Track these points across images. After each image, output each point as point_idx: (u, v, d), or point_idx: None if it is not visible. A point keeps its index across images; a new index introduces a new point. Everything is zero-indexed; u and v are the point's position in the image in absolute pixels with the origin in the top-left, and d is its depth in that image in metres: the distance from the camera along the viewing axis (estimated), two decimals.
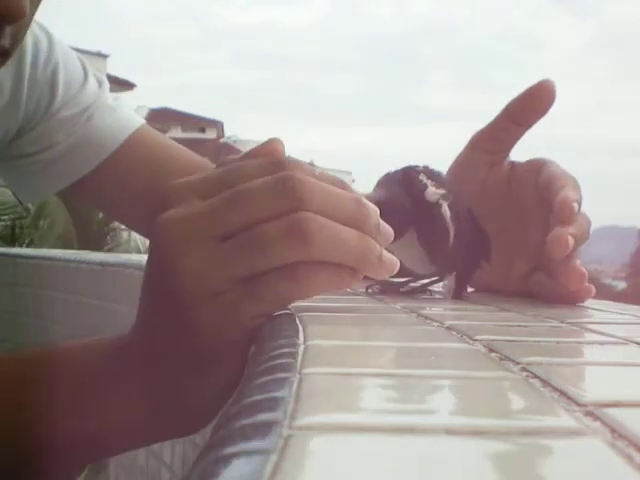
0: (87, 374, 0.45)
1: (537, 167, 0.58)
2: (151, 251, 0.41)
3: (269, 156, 0.40)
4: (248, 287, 0.38)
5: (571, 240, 0.52)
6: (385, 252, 0.39)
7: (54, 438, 0.43)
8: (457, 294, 0.57)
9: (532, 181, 0.57)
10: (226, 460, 0.17)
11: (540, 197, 0.57)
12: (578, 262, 0.54)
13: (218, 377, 0.43)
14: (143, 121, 0.80)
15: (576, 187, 0.55)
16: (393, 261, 0.40)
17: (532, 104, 0.60)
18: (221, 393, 0.43)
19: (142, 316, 0.43)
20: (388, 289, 0.57)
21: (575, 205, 0.53)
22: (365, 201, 0.39)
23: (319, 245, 0.36)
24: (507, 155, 0.64)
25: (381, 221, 0.39)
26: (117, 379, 0.44)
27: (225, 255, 0.37)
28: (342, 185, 0.39)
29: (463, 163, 0.65)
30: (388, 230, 0.40)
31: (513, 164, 0.63)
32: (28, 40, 0.72)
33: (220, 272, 0.37)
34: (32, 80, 0.74)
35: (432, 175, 0.57)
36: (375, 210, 0.39)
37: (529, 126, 0.62)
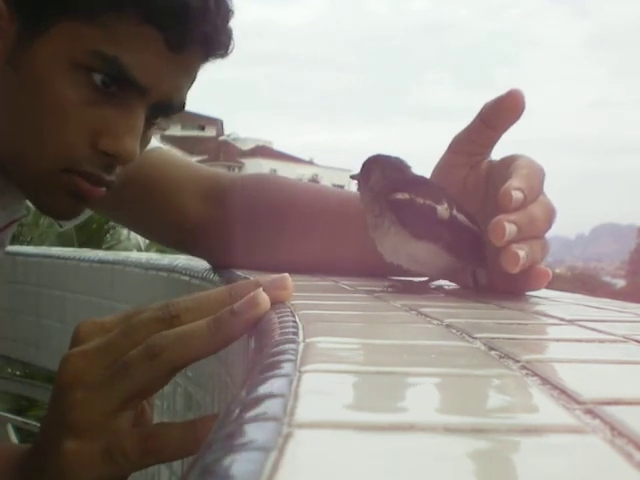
0: None
1: (508, 163, 0.59)
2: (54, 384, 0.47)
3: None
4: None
5: (510, 227, 0.52)
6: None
7: None
8: (478, 284, 0.60)
9: (503, 177, 0.57)
10: (226, 458, 0.17)
11: None
12: (515, 246, 0.53)
13: None
14: (155, 147, 0.83)
15: (528, 177, 0.55)
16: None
17: (503, 110, 0.62)
18: None
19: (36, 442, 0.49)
20: (407, 288, 0.58)
21: (516, 193, 0.53)
22: (232, 292, 0.44)
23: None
24: (487, 156, 0.65)
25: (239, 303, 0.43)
26: None
27: (104, 386, 0.44)
28: None
29: (444, 166, 0.67)
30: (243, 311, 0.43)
31: (491, 163, 0.65)
32: None
33: (102, 403, 0.44)
34: None
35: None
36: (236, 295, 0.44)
37: (503, 130, 0.64)
